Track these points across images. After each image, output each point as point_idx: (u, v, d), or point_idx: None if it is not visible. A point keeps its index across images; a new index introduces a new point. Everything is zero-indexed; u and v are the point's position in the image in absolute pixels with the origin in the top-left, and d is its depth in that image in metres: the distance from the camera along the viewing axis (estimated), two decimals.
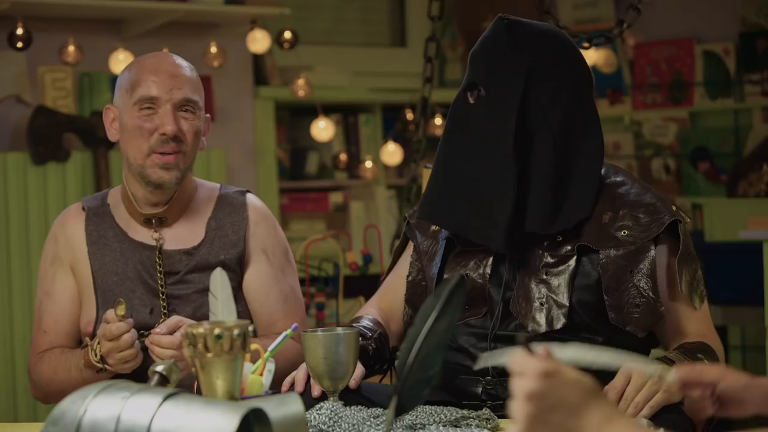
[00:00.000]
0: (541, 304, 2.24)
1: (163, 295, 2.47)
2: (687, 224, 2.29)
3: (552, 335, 2.21)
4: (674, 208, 2.30)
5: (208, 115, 2.59)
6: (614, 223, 2.27)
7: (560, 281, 2.25)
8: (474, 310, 2.30)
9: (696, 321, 2.27)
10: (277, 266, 2.57)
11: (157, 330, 2.32)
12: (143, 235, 2.52)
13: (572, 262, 2.25)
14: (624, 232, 2.26)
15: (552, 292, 2.24)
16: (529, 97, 2.27)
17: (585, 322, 2.24)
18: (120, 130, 2.51)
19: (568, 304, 2.23)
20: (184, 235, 2.53)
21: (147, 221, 2.52)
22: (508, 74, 2.28)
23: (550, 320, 2.23)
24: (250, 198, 2.60)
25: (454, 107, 2.35)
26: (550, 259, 2.27)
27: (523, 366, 1.33)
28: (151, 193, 2.50)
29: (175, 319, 2.34)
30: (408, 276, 2.45)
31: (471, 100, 2.31)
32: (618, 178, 2.34)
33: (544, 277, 2.26)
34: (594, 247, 2.25)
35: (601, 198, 2.30)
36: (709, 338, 2.25)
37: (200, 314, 2.42)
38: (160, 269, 2.48)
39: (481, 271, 2.31)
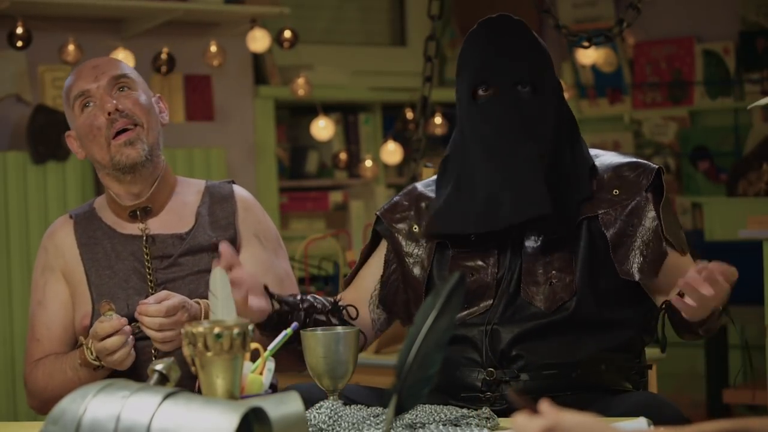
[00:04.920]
0: (550, 284, 2.26)
1: (151, 282, 2.48)
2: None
3: (561, 311, 2.24)
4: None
5: (158, 94, 2.61)
6: (603, 187, 2.33)
7: (564, 255, 2.28)
8: (480, 303, 2.30)
9: (686, 265, 2.29)
10: (270, 250, 2.59)
11: (144, 300, 2.34)
12: (131, 228, 2.54)
13: (573, 234, 2.29)
14: (615, 192, 2.32)
15: (558, 269, 2.26)
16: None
17: (593, 287, 2.26)
18: (81, 145, 2.55)
19: (573, 275, 2.26)
20: (173, 223, 2.55)
21: (132, 215, 2.53)
22: (543, 63, 2.37)
23: (558, 298, 2.25)
24: (237, 188, 2.64)
25: (477, 109, 2.34)
26: (552, 237, 2.29)
27: (523, 428, 1.33)
28: (130, 183, 2.51)
29: (164, 293, 2.36)
30: (382, 276, 2.43)
31: (524, 96, 2.33)
32: (592, 152, 2.41)
33: (548, 259, 2.28)
34: (592, 214, 2.29)
35: None
36: None
37: (196, 296, 2.44)
38: (148, 257, 2.49)
39: (489, 268, 2.31)
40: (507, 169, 2.28)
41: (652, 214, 2.30)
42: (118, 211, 2.55)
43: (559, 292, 2.25)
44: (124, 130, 2.48)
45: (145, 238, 2.51)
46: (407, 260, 2.40)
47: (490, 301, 2.29)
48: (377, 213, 2.47)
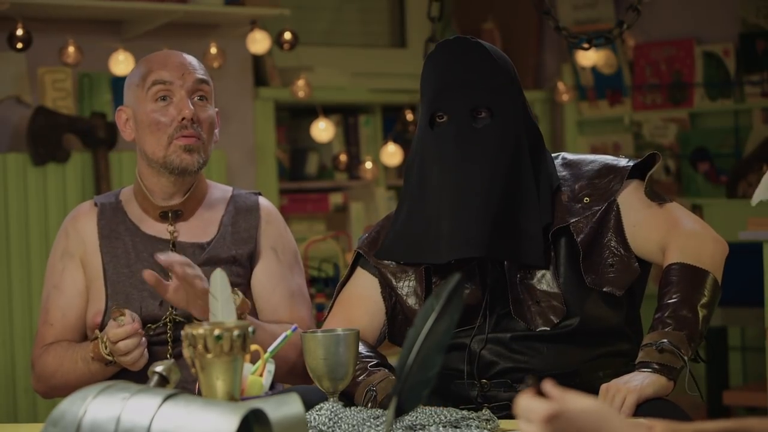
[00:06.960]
0: (538, 303, 2.25)
1: None
2: (659, 159, 2.34)
3: (554, 327, 2.24)
4: (623, 157, 2.37)
5: (217, 109, 2.60)
6: (575, 196, 2.32)
7: (547, 274, 2.27)
8: (469, 323, 2.30)
9: (679, 220, 2.29)
10: (285, 264, 2.59)
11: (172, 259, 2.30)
12: (157, 229, 2.53)
13: (551, 250, 2.28)
14: (586, 199, 2.31)
15: (543, 287, 2.26)
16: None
17: (582, 297, 2.26)
18: (135, 128, 2.52)
19: (559, 291, 2.25)
20: (198, 231, 2.54)
21: (163, 216, 2.53)
22: (503, 84, 2.32)
23: (549, 318, 2.25)
24: (263, 200, 2.63)
25: (433, 137, 2.32)
26: (531, 259, 2.28)
27: (527, 412, 1.33)
28: (172, 183, 2.51)
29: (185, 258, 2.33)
30: (387, 313, 2.41)
31: (481, 122, 2.30)
32: (562, 161, 2.39)
33: (531, 282, 2.27)
34: (563, 224, 2.28)
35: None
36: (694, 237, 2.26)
37: None
38: None
39: (474, 289, 2.30)
40: (454, 202, 2.26)
41: (617, 221, 2.29)
42: (147, 207, 2.54)
43: (550, 311, 2.25)
44: (189, 136, 2.47)
45: (173, 243, 2.51)
46: (400, 293, 2.39)
47: (480, 321, 2.29)
48: (358, 250, 2.45)
